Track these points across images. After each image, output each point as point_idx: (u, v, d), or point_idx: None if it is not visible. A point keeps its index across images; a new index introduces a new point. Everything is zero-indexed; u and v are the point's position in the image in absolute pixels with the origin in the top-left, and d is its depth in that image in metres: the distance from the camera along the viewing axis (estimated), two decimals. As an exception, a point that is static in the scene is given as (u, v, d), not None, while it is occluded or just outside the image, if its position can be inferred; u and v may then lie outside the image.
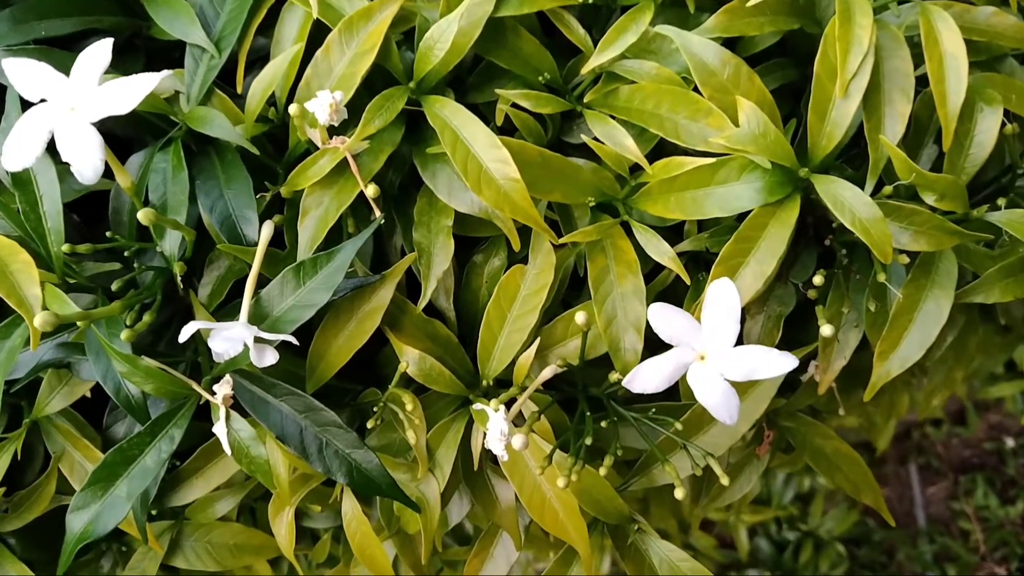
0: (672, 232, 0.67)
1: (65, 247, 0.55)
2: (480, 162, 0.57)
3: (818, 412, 0.84)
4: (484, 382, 0.63)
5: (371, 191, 0.55)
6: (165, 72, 0.49)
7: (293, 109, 0.54)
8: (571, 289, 0.69)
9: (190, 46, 0.61)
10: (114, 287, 0.57)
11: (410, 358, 0.61)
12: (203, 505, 0.71)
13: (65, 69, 0.57)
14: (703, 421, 0.65)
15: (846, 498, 2.15)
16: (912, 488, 2.36)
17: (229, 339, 0.53)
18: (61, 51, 0.61)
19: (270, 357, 0.55)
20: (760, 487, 1.61)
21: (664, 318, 0.54)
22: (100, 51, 0.50)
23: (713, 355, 0.54)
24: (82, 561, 0.76)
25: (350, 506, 0.63)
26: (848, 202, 0.56)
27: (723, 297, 0.53)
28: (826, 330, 0.57)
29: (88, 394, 0.65)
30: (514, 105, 0.63)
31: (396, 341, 0.62)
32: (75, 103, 0.49)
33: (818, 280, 0.59)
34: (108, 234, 0.58)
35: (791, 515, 1.96)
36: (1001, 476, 2.37)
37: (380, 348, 0.68)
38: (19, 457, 0.61)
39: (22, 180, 0.56)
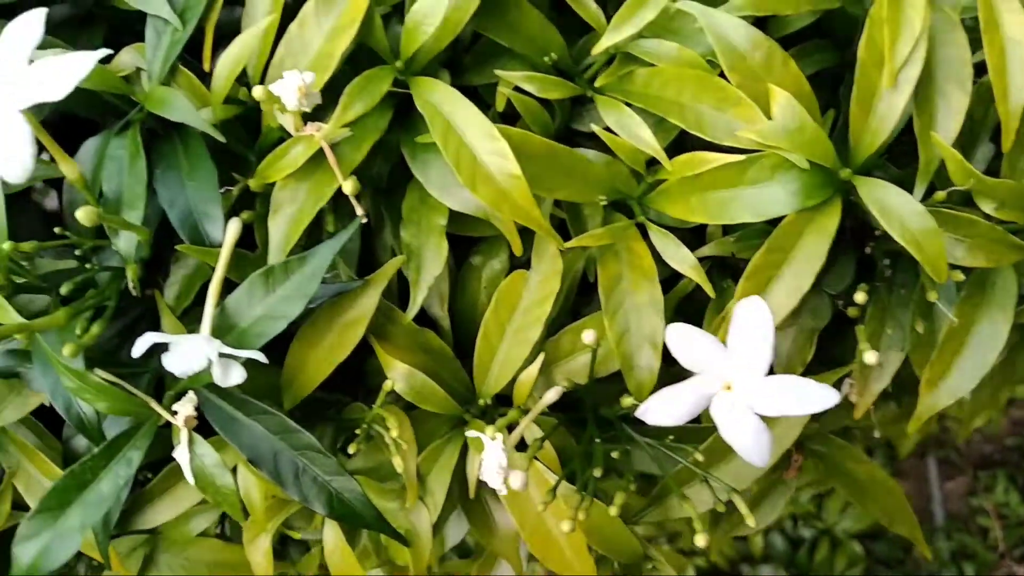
0: (692, 234, 0.60)
1: (6, 245, 0.49)
2: (474, 155, 0.51)
3: (848, 428, 0.77)
4: (481, 400, 0.57)
5: (349, 187, 0.48)
6: (101, 51, 0.42)
7: (258, 92, 0.47)
8: (580, 295, 0.62)
9: (151, 17, 0.54)
10: (63, 290, 0.51)
11: (398, 374, 0.55)
12: (177, 523, 0.66)
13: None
14: (727, 448, 0.58)
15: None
16: (930, 483, 2.29)
17: (187, 355, 0.46)
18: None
19: (236, 375, 0.48)
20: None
21: (684, 341, 0.47)
22: (31, 23, 0.43)
23: (741, 385, 0.47)
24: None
25: (332, 535, 0.57)
26: (897, 210, 0.49)
27: (753, 318, 0.46)
28: (870, 357, 0.50)
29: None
30: (517, 89, 0.56)
31: (383, 354, 0.55)
32: (1, 86, 0.42)
33: (860, 298, 0.52)
34: (57, 230, 0.51)
35: (807, 512, 1.90)
36: (1023, 473, 2.29)
37: (368, 355, 0.61)
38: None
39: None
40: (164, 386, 0.54)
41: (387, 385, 0.53)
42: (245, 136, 0.55)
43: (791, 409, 0.46)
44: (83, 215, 0.44)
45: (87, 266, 0.52)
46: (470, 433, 0.51)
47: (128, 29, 0.60)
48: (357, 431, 0.55)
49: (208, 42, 0.54)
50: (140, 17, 0.58)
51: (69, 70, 0.41)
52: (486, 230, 0.58)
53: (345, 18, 0.51)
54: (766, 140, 0.51)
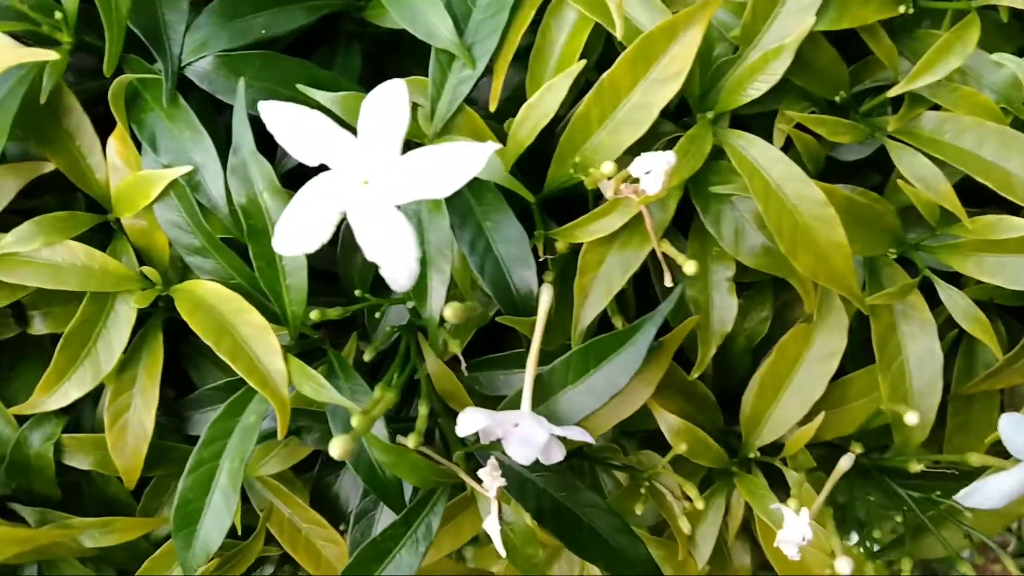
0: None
1: (314, 315, 0.46)
2: (797, 219, 0.48)
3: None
4: (751, 454, 0.56)
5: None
6: (493, 144, 0.37)
7: (608, 169, 0.43)
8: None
9: (436, 51, 0.49)
10: (366, 357, 0.48)
11: (670, 427, 0.54)
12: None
13: (290, 80, 0.47)
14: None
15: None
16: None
17: (528, 440, 0.45)
18: (286, 57, 0.49)
19: (557, 453, 0.47)
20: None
21: (1018, 431, 0.46)
22: (394, 100, 0.38)
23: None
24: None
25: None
26: None
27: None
28: None
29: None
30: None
31: (656, 407, 0.54)
32: (372, 179, 0.37)
33: None
34: (358, 293, 0.48)
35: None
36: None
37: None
38: (239, 531, 0.53)
39: (256, 229, 0.46)
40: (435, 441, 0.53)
41: (677, 448, 0.52)
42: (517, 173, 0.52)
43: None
44: (452, 313, 0.41)
45: (387, 328, 0.49)
46: (773, 506, 0.50)
47: (372, 42, 0.56)
48: (641, 489, 0.54)
49: (497, 83, 0.50)
50: (386, 32, 0.54)
51: (460, 164, 0.37)
52: (749, 276, 0.56)
53: (668, 69, 0.47)
54: (1091, 217, 0.49)
